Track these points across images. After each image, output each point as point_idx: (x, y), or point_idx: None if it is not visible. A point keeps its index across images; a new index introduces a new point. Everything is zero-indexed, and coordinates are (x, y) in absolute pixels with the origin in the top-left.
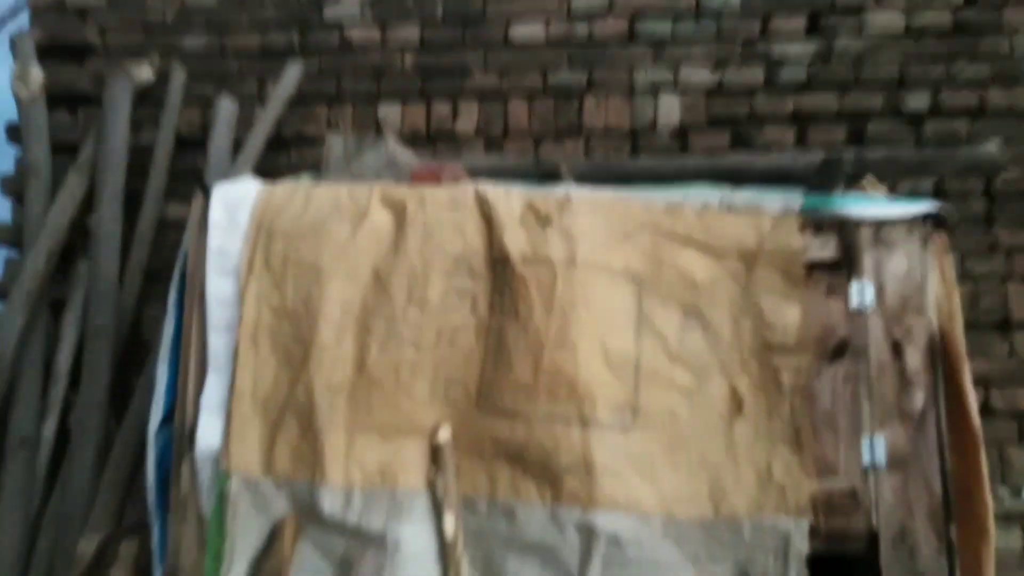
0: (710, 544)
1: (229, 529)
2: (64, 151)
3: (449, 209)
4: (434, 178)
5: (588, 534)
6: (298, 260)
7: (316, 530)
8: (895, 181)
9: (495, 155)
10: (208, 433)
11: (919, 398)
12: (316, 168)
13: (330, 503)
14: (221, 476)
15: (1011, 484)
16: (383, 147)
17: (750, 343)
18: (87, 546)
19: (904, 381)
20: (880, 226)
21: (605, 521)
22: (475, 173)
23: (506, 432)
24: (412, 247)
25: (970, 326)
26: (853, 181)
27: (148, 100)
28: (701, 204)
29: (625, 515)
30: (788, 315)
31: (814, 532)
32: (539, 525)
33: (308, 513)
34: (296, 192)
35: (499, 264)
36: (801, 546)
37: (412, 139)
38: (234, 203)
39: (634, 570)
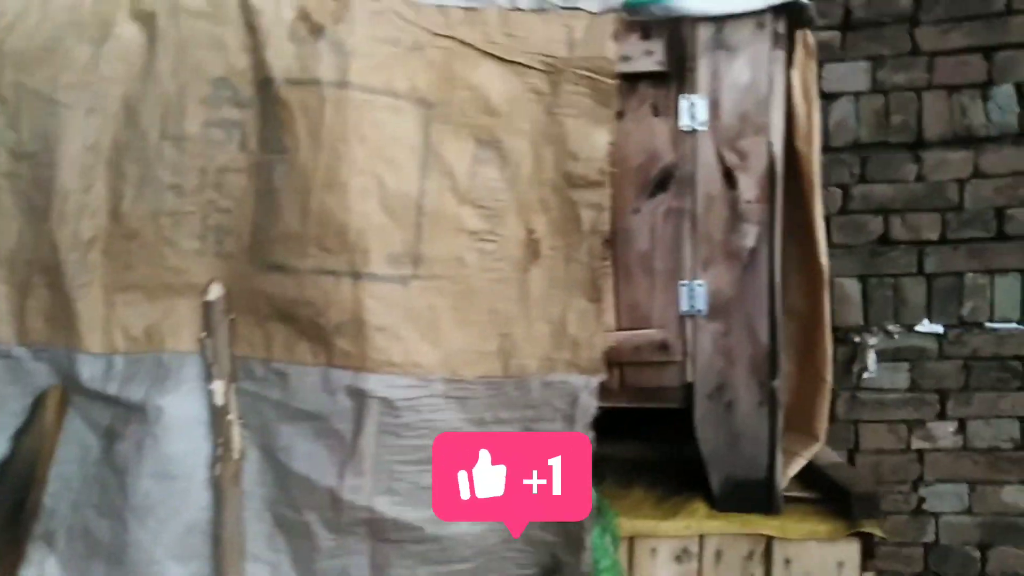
0: (496, 405)
1: None
2: None
3: (207, 19)
4: None
5: (360, 399)
6: (33, 89)
7: (83, 400)
8: None
9: None
10: None
11: (751, 234)
12: None
13: (90, 371)
14: None
15: (904, 320)
16: None
17: (552, 176)
18: None
19: (735, 215)
20: (721, 25)
21: (377, 384)
22: None
23: (278, 288)
24: (163, 69)
25: (876, 146)
26: None
27: None
28: (509, 3)
29: (401, 377)
30: (595, 142)
31: (621, 388)
32: (311, 390)
33: (71, 383)
34: (31, 2)
35: (264, 87)
36: (589, 405)
37: None
38: None
39: (411, 436)
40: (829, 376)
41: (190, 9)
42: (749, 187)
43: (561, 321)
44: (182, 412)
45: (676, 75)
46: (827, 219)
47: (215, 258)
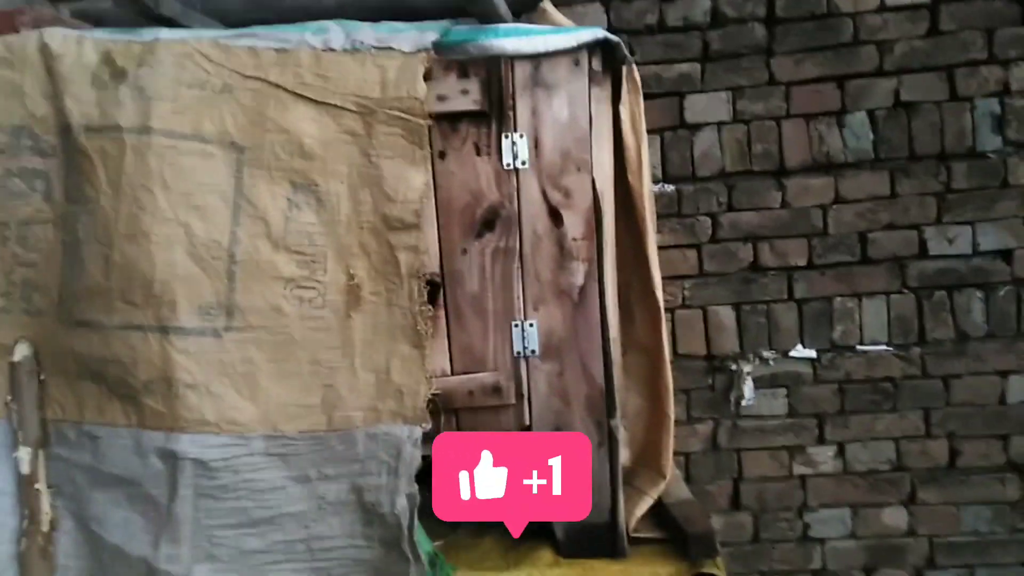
0: (321, 461)
1: None
2: None
3: (5, 66)
4: (8, 24)
5: (172, 462)
6: None
7: None
8: None
9: None
10: None
11: (579, 272)
12: None
13: None
14: None
15: (778, 346)
16: None
17: (371, 219)
18: None
19: (563, 253)
20: (538, 63)
21: (190, 445)
22: (86, 18)
23: (87, 345)
24: None
25: (741, 174)
26: (530, 6)
27: None
28: (322, 44)
29: (215, 436)
30: (410, 183)
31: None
32: (122, 453)
33: None
34: None
35: (65, 134)
36: (413, 455)
37: None
38: None
39: (231, 498)
40: (671, 411)
41: None
42: (575, 224)
43: (385, 369)
44: None
45: (496, 114)
46: (698, 248)
47: (22, 315)
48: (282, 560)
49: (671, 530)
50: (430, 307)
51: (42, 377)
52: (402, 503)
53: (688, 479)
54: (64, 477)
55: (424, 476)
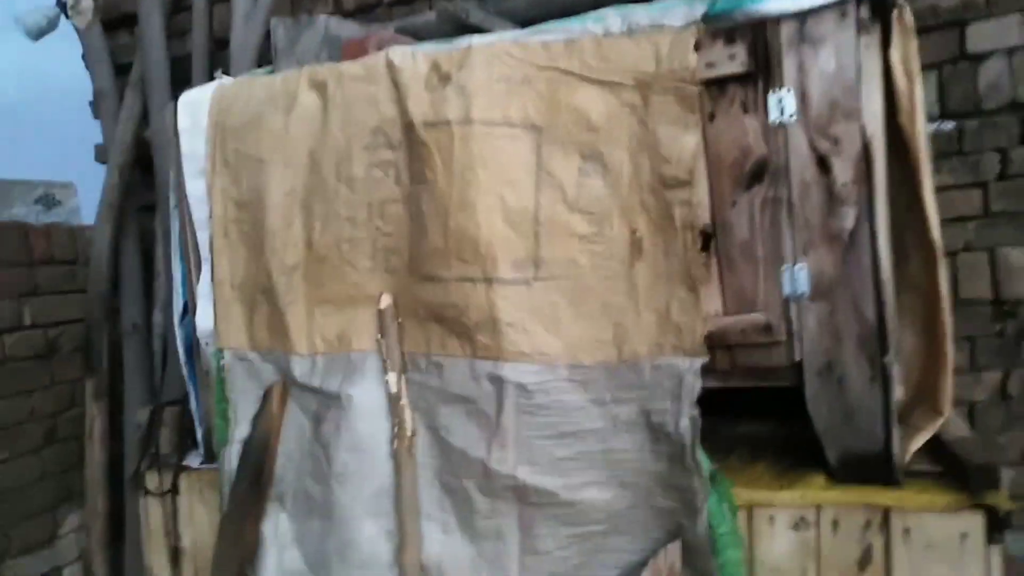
0: (614, 387)
1: (230, 396)
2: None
3: (363, 81)
4: (362, 49)
5: (499, 384)
6: (246, 153)
7: (297, 392)
8: None
9: (424, 12)
10: (205, 317)
11: (849, 216)
12: None
13: (299, 369)
14: (216, 353)
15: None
16: (318, 24)
17: (649, 180)
18: (142, 415)
19: (832, 199)
20: (803, 20)
21: (512, 372)
22: (408, 33)
23: (431, 295)
24: (335, 126)
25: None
26: None
27: (183, 7)
28: (603, 31)
29: (531, 365)
30: (684, 145)
31: (733, 369)
32: (461, 378)
33: (288, 378)
34: (243, 86)
35: (409, 131)
36: (694, 384)
37: (364, 7)
38: (195, 106)
39: (544, 414)
40: (949, 350)
41: (351, 75)
42: (844, 170)
43: (665, 310)
44: (367, 399)
45: (762, 73)
46: (984, 186)
47: (384, 274)
48: (585, 467)
49: (949, 464)
50: (704, 255)
51: (400, 320)
52: (685, 423)
53: (973, 429)
54: (418, 396)
55: (721, 405)
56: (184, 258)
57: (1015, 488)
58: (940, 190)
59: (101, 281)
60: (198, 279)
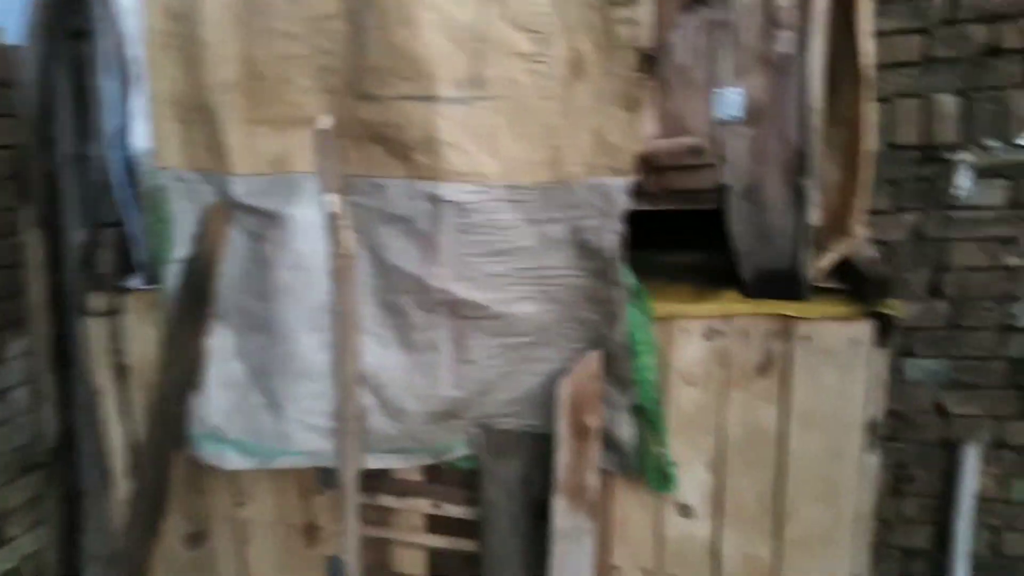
0: (547, 206)
1: (170, 215)
2: None
3: None
4: None
5: (436, 204)
6: None
7: (237, 212)
8: None
9: None
10: (143, 134)
11: (786, 41)
12: None
13: (239, 189)
14: (154, 173)
15: (1006, 135)
16: None
17: None
18: (81, 235)
19: (772, 22)
20: None
21: (449, 191)
22: None
23: (370, 114)
24: None
25: None
26: None
27: None
28: None
29: (468, 184)
30: None
31: (662, 191)
32: (400, 198)
33: (228, 199)
34: None
35: None
36: (621, 203)
37: None
38: None
39: (479, 233)
40: (866, 178)
41: None
42: None
43: (601, 130)
44: (307, 219)
45: None
46: (926, 31)
47: (324, 93)
48: (516, 283)
49: (852, 280)
50: (644, 76)
51: (339, 140)
52: (611, 238)
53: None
54: (358, 217)
55: (636, 234)
56: (116, 76)
57: (918, 321)
58: (883, 34)
59: (32, 106)
60: (131, 97)
